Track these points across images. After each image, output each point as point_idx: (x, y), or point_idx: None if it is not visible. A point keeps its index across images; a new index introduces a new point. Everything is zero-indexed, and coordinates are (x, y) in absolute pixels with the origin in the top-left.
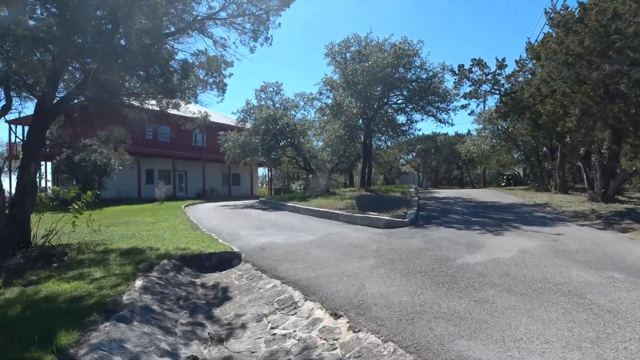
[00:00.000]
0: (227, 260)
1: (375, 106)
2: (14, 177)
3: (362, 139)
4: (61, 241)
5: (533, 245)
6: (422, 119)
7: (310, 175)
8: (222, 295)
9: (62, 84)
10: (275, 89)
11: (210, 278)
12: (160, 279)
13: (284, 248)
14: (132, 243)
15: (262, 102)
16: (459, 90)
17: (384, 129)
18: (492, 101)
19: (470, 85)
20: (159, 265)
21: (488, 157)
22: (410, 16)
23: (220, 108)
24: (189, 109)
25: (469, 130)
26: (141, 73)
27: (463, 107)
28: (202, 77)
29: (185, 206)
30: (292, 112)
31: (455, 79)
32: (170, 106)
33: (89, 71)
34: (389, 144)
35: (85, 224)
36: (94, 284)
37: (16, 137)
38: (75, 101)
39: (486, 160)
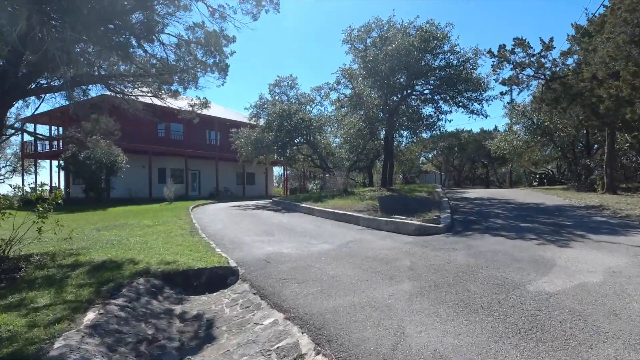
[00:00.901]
0: (220, 277)
1: (399, 97)
2: (27, 177)
3: (383, 134)
4: (29, 250)
5: (622, 264)
6: (452, 110)
7: (327, 174)
8: (205, 333)
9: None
10: (289, 83)
11: (196, 304)
12: (125, 308)
13: (293, 261)
14: (111, 253)
15: (276, 97)
16: (498, 74)
17: (406, 123)
18: (524, 93)
19: (511, 69)
20: (130, 286)
21: (520, 154)
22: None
23: (233, 104)
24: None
25: (495, 127)
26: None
27: (502, 94)
28: (200, 58)
29: (194, 207)
30: (308, 107)
31: (493, 61)
32: (165, 93)
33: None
34: (414, 139)
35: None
36: (28, 318)
37: (36, 136)
38: (44, 82)
39: (518, 158)
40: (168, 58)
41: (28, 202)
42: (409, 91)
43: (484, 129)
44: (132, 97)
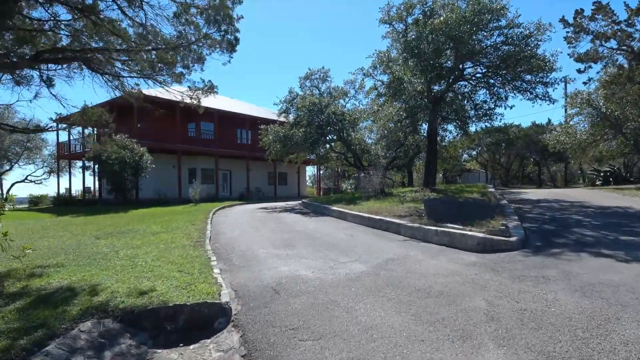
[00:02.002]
0: (205, 319)
1: (445, 83)
2: (62, 179)
3: (425, 127)
4: None
5: None
6: (509, 96)
7: (362, 174)
8: None
9: None
10: (321, 75)
11: None
12: None
13: (311, 292)
14: (79, 275)
15: (307, 92)
16: (574, 46)
17: (452, 115)
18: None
19: (590, 41)
20: (67, 336)
21: (584, 150)
22: None
23: (263, 102)
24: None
25: (549, 120)
26: None
27: (580, 72)
28: (203, 29)
29: (218, 209)
30: (341, 101)
31: (567, 31)
32: (165, 76)
33: None
34: (461, 133)
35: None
36: None
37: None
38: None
39: (581, 154)
40: (161, 30)
41: (63, 203)
42: (457, 74)
43: (536, 122)
44: (130, 86)
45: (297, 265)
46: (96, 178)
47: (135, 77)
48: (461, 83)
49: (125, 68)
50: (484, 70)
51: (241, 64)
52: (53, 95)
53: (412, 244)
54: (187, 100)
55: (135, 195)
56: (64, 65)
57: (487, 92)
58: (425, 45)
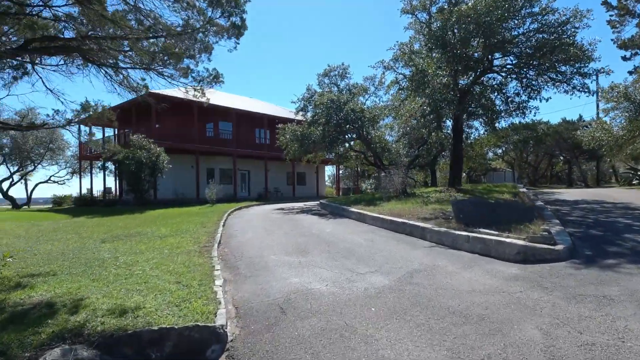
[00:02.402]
0: (195, 347)
1: (473, 75)
2: (85, 179)
3: (450, 123)
4: None
5: None
6: (543, 88)
7: (382, 173)
8: None
9: None
10: (340, 72)
11: None
12: None
13: (323, 312)
14: (65, 287)
15: (325, 89)
16: (618, 31)
17: (480, 110)
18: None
19: (636, 25)
20: None
21: (621, 147)
22: None
23: (283, 102)
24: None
25: (580, 116)
26: None
27: (625, 59)
28: (207, 13)
29: (234, 210)
30: (361, 98)
31: (611, 15)
32: (171, 68)
33: None
34: (488, 129)
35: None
36: None
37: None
38: None
39: (618, 150)
40: (162, 16)
41: (84, 203)
42: (485, 65)
43: (566, 118)
44: (135, 81)
45: (310, 276)
46: (116, 179)
47: (138, 68)
48: (489, 76)
49: (127, 61)
50: (515, 61)
51: (256, 63)
52: (49, 90)
53: (440, 251)
54: (192, 93)
55: (153, 196)
56: (66, 60)
57: (519, 84)
58: (451, 35)
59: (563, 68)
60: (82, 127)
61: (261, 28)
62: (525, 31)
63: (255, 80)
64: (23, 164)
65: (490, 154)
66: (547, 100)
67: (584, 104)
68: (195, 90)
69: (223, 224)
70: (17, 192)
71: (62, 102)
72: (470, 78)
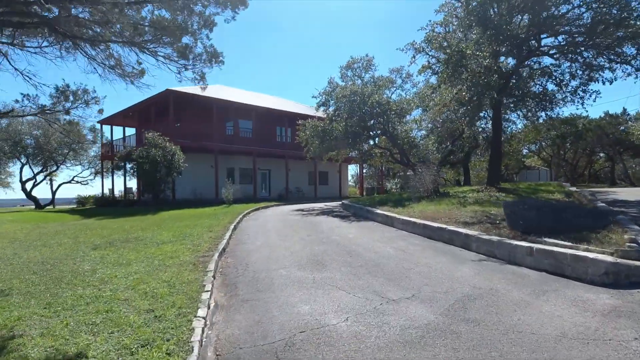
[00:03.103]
0: None
1: (518, 55)
2: (108, 180)
3: (489, 115)
4: None
5: None
6: (605, 67)
7: (409, 172)
8: None
9: None
10: (364, 64)
11: None
12: None
13: None
14: (6, 315)
15: (349, 82)
16: None
17: (528, 98)
18: None
19: None
20: None
21: None
22: None
23: (302, 98)
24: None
25: (624, 109)
26: None
27: None
28: None
29: (251, 211)
30: (387, 92)
31: None
32: (166, 46)
33: None
34: (535, 119)
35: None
36: None
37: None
38: None
39: None
40: None
41: (104, 204)
42: (532, 45)
43: (610, 112)
44: (131, 65)
45: (325, 303)
46: (138, 179)
47: (126, 45)
48: (534, 59)
49: (114, 39)
50: (567, 39)
51: (273, 58)
52: (18, 71)
53: (493, 267)
54: (189, 75)
55: (172, 196)
56: (49, 40)
57: (573, 66)
58: (492, 12)
59: (628, 49)
60: (65, 116)
61: (278, 22)
62: (580, 3)
63: (274, 77)
64: (47, 164)
65: (524, 151)
66: (610, 82)
67: (626, 97)
68: (193, 72)
69: (234, 226)
70: (43, 192)
71: (34, 86)
72: (514, 61)
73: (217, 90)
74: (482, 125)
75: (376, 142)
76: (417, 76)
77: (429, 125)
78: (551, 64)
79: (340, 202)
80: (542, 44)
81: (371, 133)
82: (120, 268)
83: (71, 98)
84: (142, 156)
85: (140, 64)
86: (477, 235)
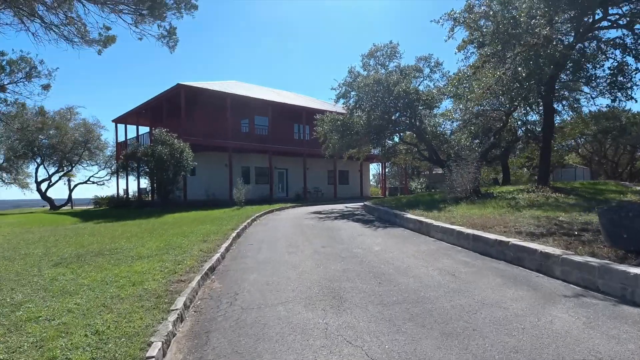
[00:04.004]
0: None
1: (580, 26)
2: (123, 180)
3: (540, 98)
4: None
5: None
6: None
7: (437, 170)
8: None
9: None
10: (388, 51)
11: None
12: None
13: None
14: None
15: (371, 72)
16: None
17: (595, 79)
18: None
19: None
20: None
21: None
22: None
23: (321, 94)
24: None
25: None
26: None
27: None
28: None
29: (261, 214)
30: (414, 82)
31: None
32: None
33: None
34: (620, 102)
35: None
36: None
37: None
38: None
39: None
40: None
41: (117, 205)
42: (598, 13)
43: None
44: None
45: None
46: (146, 179)
47: None
48: (594, 34)
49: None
50: (633, 9)
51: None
52: None
53: (609, 310)
54: (154, 32)
55: (183, 197)
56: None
57: None
58: None
59: None
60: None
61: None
62: None
63: (292, 75)
64: (62, 164)
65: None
66: None
67: None
68: (158, 25)
69: (238, 233)
70: (61, 193)
71: None
72: (575, 36)
73: (231, 86)
74: (522, 118)
75: (401, 137)
76: (454, 56)
77: (465, 115)
78: (622, 36)
79: (362, 204)
80: (610, 15)
81: (396, 128)
82: (58, 300)
83: (7, 69)
84: (147, 154)
85: (108, 29)
86: (564, 256)
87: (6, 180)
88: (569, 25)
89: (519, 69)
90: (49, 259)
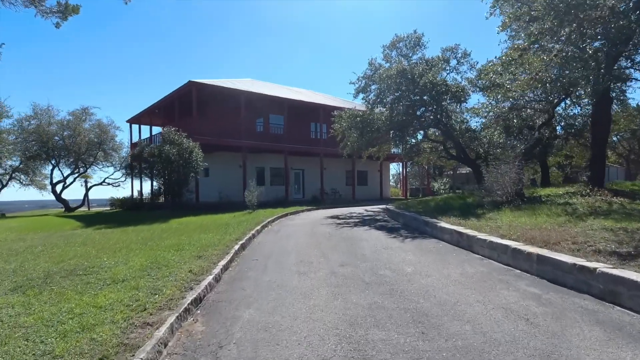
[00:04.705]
0: None
1: None
2: (137, 181)
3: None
4: None
5: None
6: None
7: (464, 169)
8: None
9: None
10: (412, 41)
11: None
12: None
13: None
14: None
15: (394, 64)
16: None
17: None
18: None
19: None
20: None
21: None
22: None
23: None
24: None
25: None
26: None
27: None
28: None
29: (274, 219)
30: (442, 73)
31: None
32: None
33: None
34: None
35: None
36: None
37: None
38: None
39: None
40: None
41: (131, 207)
42: None
43: None
44: None
45: None
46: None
47: None
48: None
49: None
50: None
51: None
52: None
53: None
54: None
55: (195, 198)
56: None
57: None
58: None
59: None
60: None
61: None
62: None
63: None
64: (78, 165)
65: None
66: None
67: None
68: None
69: (243, 245)
70: (79, 194)
71: None
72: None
73: (245, 83)
74: (568, 110)
75: (427, 134)
76: (501, 26)
77: (503, 108)
78: None
79: (384, 207)
80: None
81: (420, 124)
82: None
83: None
84: (154, 154)
85: None
86: None
87: (24, 182)
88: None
89: (575, 49)
90: (12, 280)
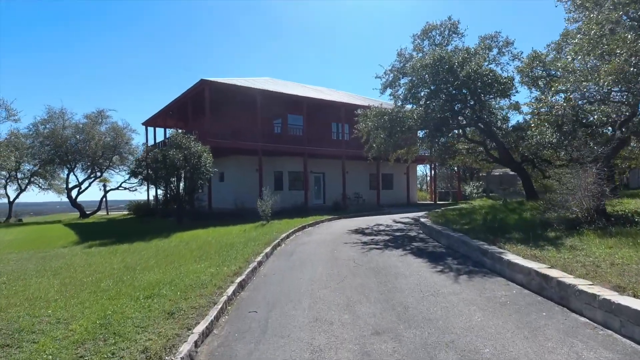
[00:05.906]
0: None
1: None
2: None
3: None
4: None
5: None
6: None
7: (497, 171)
8: None
9: None
10: (447, 30)
11: None
12: None
13: None
14: None
15: (426, 55)
16: None
17: None
18: None
19: None
20: None
21: None
22: None
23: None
24: None
25: None
26: None
27: None
28: None
29: (290, 233)
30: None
31: None
32: None
33: None
34: None
35: None
36: None
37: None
38: None
39: None
40: None
41: (144, 213)
42: None
43: None
44: None
45: None
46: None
47: None
48: None
49: None
50: None
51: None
52: None
53: None
54: None
55: (208, 206)
56: None
57: None
58: None
59: None
60: None
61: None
62: None
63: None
64: (94, 170)
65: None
66: None
67: None
68: None
69: (242, 283)
70: (97, 197)
71: None
72: None
73: (262, 82)
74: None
75: (465, 133)
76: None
77: (574, 94)
78: None
79: (415, 217)
80: None
81: (459, 122)
82: None
83: None
84: (157, 160)
85: None
86: None
87: (43, 186)
88: None
89: None
90: None
